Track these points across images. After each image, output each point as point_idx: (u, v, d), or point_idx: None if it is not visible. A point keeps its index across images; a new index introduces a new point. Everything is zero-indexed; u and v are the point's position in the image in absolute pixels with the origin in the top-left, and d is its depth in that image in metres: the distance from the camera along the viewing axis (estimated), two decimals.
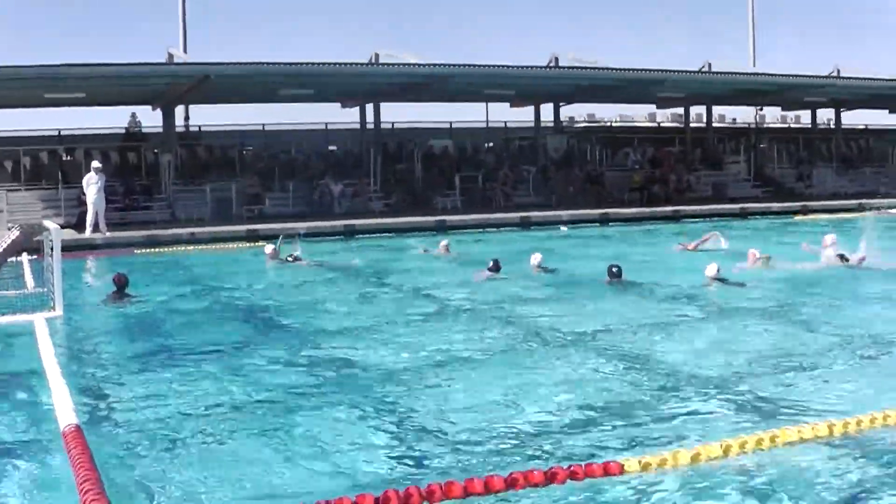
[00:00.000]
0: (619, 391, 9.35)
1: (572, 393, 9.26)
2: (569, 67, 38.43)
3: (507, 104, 47.08)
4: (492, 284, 17.55)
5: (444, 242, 22.98)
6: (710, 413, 8.45)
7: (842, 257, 18.16)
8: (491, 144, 46.24)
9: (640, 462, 6.49)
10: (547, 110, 46.19)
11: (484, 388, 9.62)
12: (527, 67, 37.39)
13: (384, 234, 29.67)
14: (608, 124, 57.04)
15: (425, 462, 7.34)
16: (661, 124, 56.60)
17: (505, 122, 48.25)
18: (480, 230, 31.11)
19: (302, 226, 29.04)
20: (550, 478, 6.13)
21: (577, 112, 57.34)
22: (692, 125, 50.01)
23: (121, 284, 16.25)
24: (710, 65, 40.87)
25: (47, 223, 15.76)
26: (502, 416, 8.50)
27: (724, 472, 6.73)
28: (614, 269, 16.97)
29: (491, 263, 18.35)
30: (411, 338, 12.72)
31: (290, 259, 21.53)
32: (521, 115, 47.63)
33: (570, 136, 47.38)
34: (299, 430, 8.26)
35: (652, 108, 56.03)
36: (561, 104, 46.28)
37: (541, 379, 9.98)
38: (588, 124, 56.82)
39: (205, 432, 8.25)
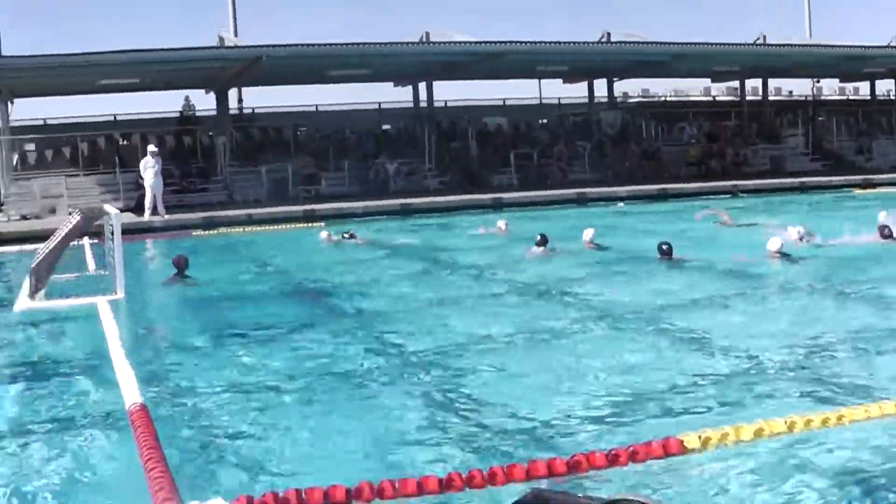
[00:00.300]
0: (677, 369, 9.26)
1: (631, 372, 9.20)
2: (621, 42, 38.10)
3: (560, 80, 46.88)
4: (544, 262, 17.53)
5: (501, 222, 22.92)
6: (774, 391, 8.32)
7: (883, 231, 17.72)
8: (545, 121, 46.05)
9: (700, 437, 6.43)
10: (600, 86, 46.00)
11: (540, 368, 9.60)
12: (579, 43, 37.02)
13: (440, 213, 29.61)
14: (663, 99, 56.65)
15: (486, 444, 7.34)
16: (717, 98, 56.09)
17: (558, 99, 48.06)
18: (537, 207, 30.97)
19: (359, 205, 29.22)
20: (612, 460, 6.11)
21: (631, 87, 57.02)
22: (748, 98, 49.52)
23: (180, 266, 16.41)
24: (764, 37, 40.40)
25: (108, 207, 15.92)
26: (561, 396, 8.47)
27: (788, 449, 6.68)
28: (664, 247, 16.77)
29: (538, 238, 18.35)
30: (465, 318, 12.72)
31: (345, 236, 21.67)
32: (575, 92, 47.49)
33: (624, 112, 47.08)
34: (358, 410, 8.30)
35: (707, 82, 55.59)
36: (614, 80, 45.95)
37: (597, 359, 9.88)
38: (642, 99, 56.44)
39: (265, 411, 8.32)
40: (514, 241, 21.01)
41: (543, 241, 18.27)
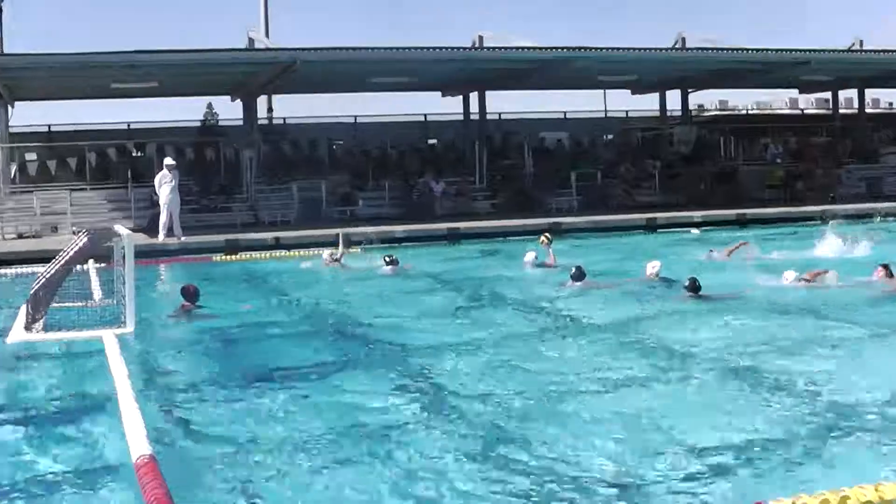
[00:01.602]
0: (753, 422, 9.17)
1: (703, 425, 9.11)
2: (697, 49, 37.85)
3: (629, 91, 46.76)
4: (597, 296, 17.53)
5: (530, 254, 22.25)
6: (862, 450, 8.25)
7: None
8: (610, 137, 45.95)
9: None
10: (673, 98, 45.84)
11: (596, 418, 9.56)
12: (650, 50, 36.92)
13: (491, 238, 29.43)
14: (743, 112, 56.40)
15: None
16: (805, 111, 55.77)
17: (626, 112, 47.99)
18: (600, 233, 30.72)
19: (399, 229, 29.19)
20: None
21: (708, 99, 56.87)
22: (841, 111, 49.14)
23: (190, 295, 16.41)
24: (861, 42, 40.11)
25: (119, 228, 15.96)
26: (621, 450, 8.43)
27: None
28: (689, 283, 16.51)
29: (573, 270, 18.27)
30: (506, 357, 12.72)
31: (386, 260, 21.66)
32: (645, 104, 47.38)
33: (699, 127, 46.81)
34: (381, 456, 8.34)
35: (794, 93, 55.29)
36: (689, 91, 45.81)
37: (661, 408, 9.83)
38: (720, 113, 56.23)
39: (285, 458, 8.35)
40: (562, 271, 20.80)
41: (579, 274, 18.11)
